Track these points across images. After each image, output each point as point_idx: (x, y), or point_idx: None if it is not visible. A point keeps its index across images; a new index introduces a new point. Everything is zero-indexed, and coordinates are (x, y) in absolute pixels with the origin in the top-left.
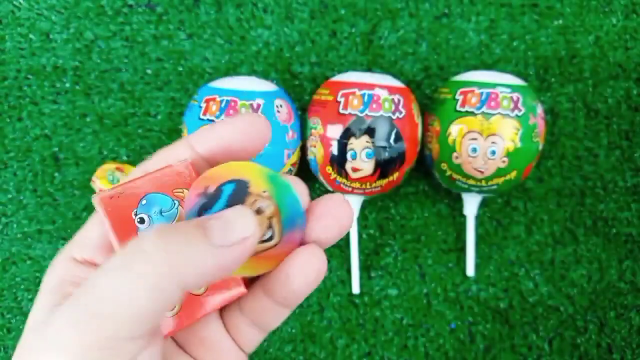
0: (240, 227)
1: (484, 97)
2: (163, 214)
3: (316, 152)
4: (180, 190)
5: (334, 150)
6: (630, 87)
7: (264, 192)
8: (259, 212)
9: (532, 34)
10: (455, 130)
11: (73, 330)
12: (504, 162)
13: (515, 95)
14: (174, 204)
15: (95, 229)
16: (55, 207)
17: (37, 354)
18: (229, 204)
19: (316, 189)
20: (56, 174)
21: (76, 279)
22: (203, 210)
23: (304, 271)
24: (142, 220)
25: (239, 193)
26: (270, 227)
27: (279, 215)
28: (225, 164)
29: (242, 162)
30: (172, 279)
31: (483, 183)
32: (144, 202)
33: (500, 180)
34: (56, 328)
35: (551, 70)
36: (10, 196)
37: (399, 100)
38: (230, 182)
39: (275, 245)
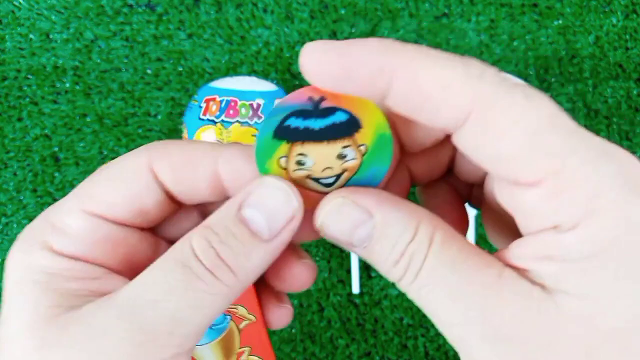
0: (283, 210)
1: None
2: (213, 327)
3: None
4: (234, 306)
5: None
6: (630, 87)
7: (362, 146)
8: (340, 157)
9: (532, 34)
10: None
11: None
12: None
13: None
14: (225, 318)
15: (78, 219)
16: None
17: None
18: (325, 132)
19: None
20: (56, 174)
21: (79, 274)
22: (296, 115)
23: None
24: None
25: (343, 130)
26: (338, 176)
27: (353, 173)
28: (346, 95)
29: (364, 99)
30: (237, 287)
31: None
32: None
33: None
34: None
35: (551, 70)
36: (10, 196)
37: None
38: (345, 111)
39: (328, 192)
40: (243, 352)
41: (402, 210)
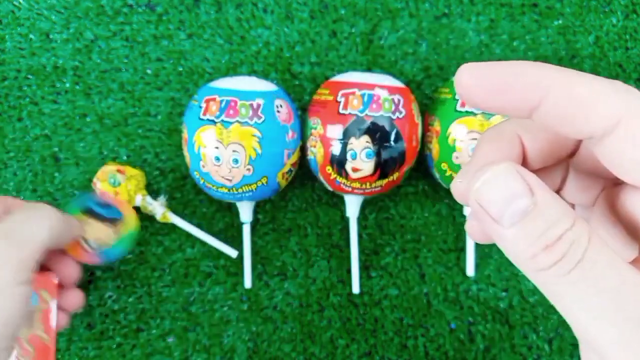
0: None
1: None
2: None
3: (316, 152)
4: (44, 290)
5: (334, 150)
6: None
7: (119, 232)
8: (106, 233)
9: (532, 34)
10: (455, 130)
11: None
12: None
13: None
14: (35, 297)
15: None
16: (55, 207)
17: None
18: (104, 217)
19: (316, 189)
20: (56, 174)
21: None
22: (92, 205)
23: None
24: None
25: (113, 220)
26: (100, 245)
27: (109, 246)
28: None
29: (131, 212)
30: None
31: None
32: None
33: None
34: None
35: None
36: (10, 196)
37: (399, 100)
38: (120, 211)
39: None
40: (22, 339)
41: (560, 199)
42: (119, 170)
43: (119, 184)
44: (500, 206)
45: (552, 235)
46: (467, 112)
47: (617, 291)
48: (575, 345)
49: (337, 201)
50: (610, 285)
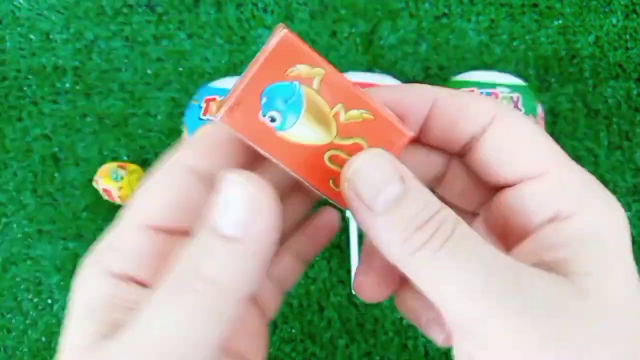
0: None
1: None
2: (289, 102)
3: None
4: (292, 68)
5: None
6: (630, 87)
7: None
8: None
9: (532, 34)
10: None
11: None
12: None
13: (515, 95)
14: (294, 87)
15: (133, 235)
16: (55, 207)
17: None
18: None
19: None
20: (56, 174)
21: (122, 302)
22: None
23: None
24: (273, 119)
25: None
26: None
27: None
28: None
29: None
30: (230, 294)
31: None
32: (264, 100)
33: None
34: None
35: (551, 70)
36: (10, 196)
37: None
38: None
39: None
40: (338, 112)
41: (427, 188)
42: (120, 166)
43: (122, 178)
44: (373, 192)
45: (422, 218)
46: None
47: (488, 266)
48: None
49: None
50: (481, 260)
